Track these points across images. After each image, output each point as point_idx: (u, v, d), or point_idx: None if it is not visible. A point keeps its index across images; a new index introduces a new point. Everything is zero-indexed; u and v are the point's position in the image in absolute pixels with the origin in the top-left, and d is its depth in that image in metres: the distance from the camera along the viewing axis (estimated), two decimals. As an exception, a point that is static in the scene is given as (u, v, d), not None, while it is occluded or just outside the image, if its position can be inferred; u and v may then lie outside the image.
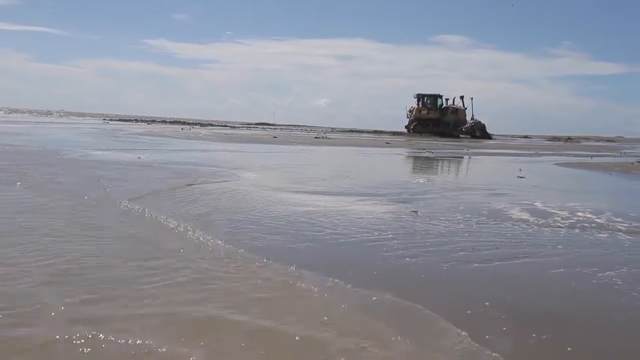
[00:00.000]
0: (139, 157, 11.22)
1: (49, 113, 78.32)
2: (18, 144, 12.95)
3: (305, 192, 7.12)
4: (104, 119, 56.53)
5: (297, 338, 2.44)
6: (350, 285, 3.23)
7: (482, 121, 45.91)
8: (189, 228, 4.44)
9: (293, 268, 3.50)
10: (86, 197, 5.72)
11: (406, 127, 47.89)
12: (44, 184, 6.57)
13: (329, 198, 6.72)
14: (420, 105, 46.63)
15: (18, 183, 6.49)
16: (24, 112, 73.47)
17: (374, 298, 3.04)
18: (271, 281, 3.24)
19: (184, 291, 2.96)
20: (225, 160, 12.20)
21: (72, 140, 16.93)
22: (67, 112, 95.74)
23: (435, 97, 47.08)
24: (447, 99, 46.96)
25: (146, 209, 5.14)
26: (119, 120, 57.88)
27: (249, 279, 3.25)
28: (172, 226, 4.52)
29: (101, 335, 2.34)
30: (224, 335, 2.45)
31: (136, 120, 57.01)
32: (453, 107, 46.17)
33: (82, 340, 2.29)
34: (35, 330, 2.38)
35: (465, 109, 46.07)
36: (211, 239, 4.12)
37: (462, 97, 46.29)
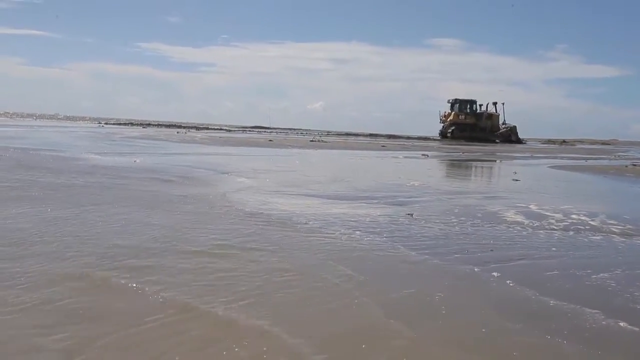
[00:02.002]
0: (135, 161, 11.23)
1: (27, 116, 78.13)
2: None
3: (301, 195, 7.14)
4: (99, 123, 56.41)
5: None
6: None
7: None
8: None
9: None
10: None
11: (440, 132, 47.41)
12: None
13: (324, 201, 6.73)
14: (458, 110, 46.25)
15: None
16: (12, 115, 73.74)
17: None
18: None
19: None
20: (220, 163, 12.18)
21: (70, 144, 16.88)
22: (62, 115, 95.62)
23: (471, 103, 46.73)
24: (480, 105, 46.83)
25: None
26: (114, 124, 57.73)
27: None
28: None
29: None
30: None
31: (132, 124, 56.87)
32: (487, 113, 46.13)
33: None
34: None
35: (498, 115, 46.31)
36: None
37: (494, 103, 46.43)
